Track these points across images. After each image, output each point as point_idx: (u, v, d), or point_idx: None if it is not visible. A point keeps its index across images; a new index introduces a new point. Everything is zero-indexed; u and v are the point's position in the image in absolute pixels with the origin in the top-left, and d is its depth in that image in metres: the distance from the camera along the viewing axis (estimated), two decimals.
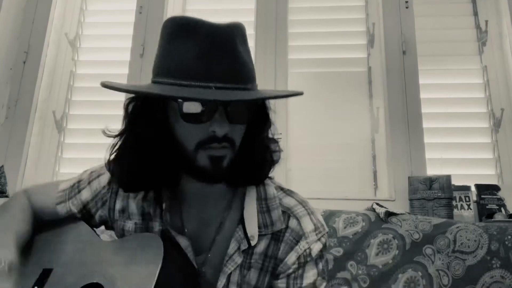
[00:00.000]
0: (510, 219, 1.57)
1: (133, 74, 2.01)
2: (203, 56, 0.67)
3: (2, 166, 1.83)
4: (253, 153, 0.77)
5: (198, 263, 0.79)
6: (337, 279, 1.38)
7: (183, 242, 0.79)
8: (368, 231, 1.43)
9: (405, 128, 1.86)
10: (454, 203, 1.66)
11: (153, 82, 0.72)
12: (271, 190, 0.82)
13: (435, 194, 1.66)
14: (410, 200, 1.71)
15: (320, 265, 0.80)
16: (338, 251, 1.41)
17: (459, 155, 1.86)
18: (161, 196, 0.81)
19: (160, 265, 0.69)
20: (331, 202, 1.64)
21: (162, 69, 0.71)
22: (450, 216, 1.61)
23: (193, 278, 0.76)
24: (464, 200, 1.69)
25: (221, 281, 0.77)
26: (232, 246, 0.78)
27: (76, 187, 0.89)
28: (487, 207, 1.67)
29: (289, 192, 0.84)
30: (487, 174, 1.84)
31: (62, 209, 0.88)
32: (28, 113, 2.01)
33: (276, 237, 0.79)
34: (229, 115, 0.69)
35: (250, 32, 2.02)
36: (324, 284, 0.80)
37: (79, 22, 2.23)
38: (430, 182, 1.69)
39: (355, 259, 1.40)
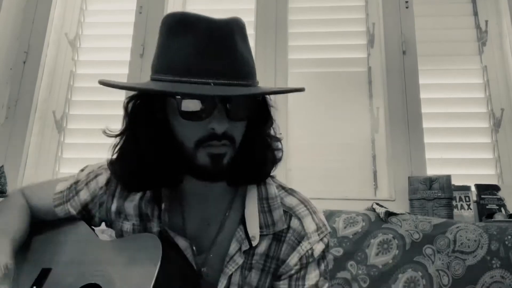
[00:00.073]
0: (510, 219, 1.57)
1: (133, 74, 2.01)
2: (201, 52, 0.66)
3: (2, 166, 1.83)
4: (254, 151, 0.76)
5: (198, 264, 0.78)
6: (337, 279, 1.37)
7: (182, 242, 0.78)
8: (368, 231, 1.43)
9: (405, 128, 1.86)
10: (454, 203, 1.66)
11: (152, 79, 0.71)
12: (273, 189, 0.81)
13: (435, 194, 1.66)
14: (410, 200, 1.70)
15: (322, 266, 0.79)
16: (338, 251, 1.41)
17: (459, 155, 1.86)
18: (160, 196, 0.80)
19: (158, 266, 0.68)
20: (331, 202, 1.64)
21: (160, 66, 0.70)
22: (450, 216, 1.61)
23: (192, 279, 0.76)
24: (464, 200, 1.69)
25: (222, 282, 0.76)
26: (233, 247, 0.77)
27: (74, 188, 0.88)
28: (487, 207, 1.67)
29: (290, 191, 0.83)
30: (487, 174, 1.84)
31: (60, 211, 0.87)
32: (28, 113, 2.01)
33: (278, 238, 0.78)
34: (229, 112, 0.68)
35: (250, 32, 2.01)
36: (327, 284, 0.79)
37: (79, 22, 2.23)
38: (430, 182, 1.68)
39: (355, 259, 1.40)
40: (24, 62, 2.08)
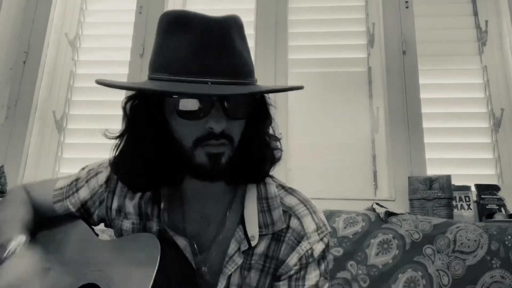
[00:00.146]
0: (510, 219, 1.56)
1: (133, 74, 2.01)
2: (198, 50, 0.66)
3: (2, 166, 1.83)
4: (253, 150, 0.75)
5: (197, 263, 0.78)
6: (337, 279, 1.37)
7: (181, 242, 0.78)
8: (368, 231, 1.43)
9: (405, 128, 1.85)
10: (454, 203, 1.66)
11: (149, 78, 0.71)
12: (272, 189, 0.80)
13: (435, 194, 1.66)
14: (410, 200, 1.70)
15: (323, 266, 0.78)
16: (338, 251, 1.41)
17: (459, 155, 1.86)
18: (159, 195, 0.80)
19: (157, 265, 0.68)
20: (331, 202, 1.64)
21: (157, 65, 0.70)
22: (450, 216, 1.61)
23: (191, 279, 0.76)
24: (464, 200, 1.69)
25: (221, 283, 0.76)
26: (232, 247, 0.76)
27: (74, 185, 0.88)
28: (487, 207, 1.67)
29: (290, 191, 0.82)
30: (487, 174, 1.84)
31: (59, 208, 0.88)
32: (28, 113, 2.01)
33: (277, 237, 0.78)
34: (227, 111, 0.67)
35: (250, 32, 2.03)
36: (327, 284, 0.79)
37: (79, 22, 2.23)
38: (430, 182, 1.68)
39: (355, 259, 1.40)
40: (24, 62, 2.08)
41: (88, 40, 2.22)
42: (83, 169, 0.91)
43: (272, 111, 0.78)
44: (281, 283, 0.78)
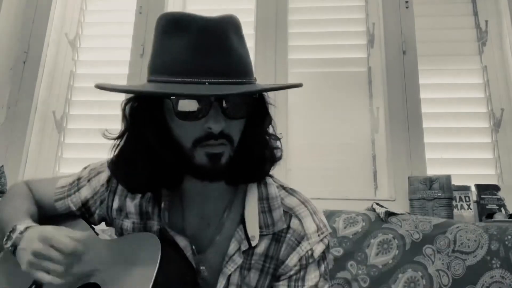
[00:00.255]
0: (510, 219, 1.56)
1: (133, 74, 2.01)
2: (195, 51, 0.66)
3: (2, 166, 1.83)
4: (252, 149, 0.75)
5: (197, 263, 0.78)
6: (337, 279, 1.37)
7: (181, 241, 0.78)
8: (368, 231, 1.43)
9: (405, 128, 1.86)
10: (454, 203, 1.66)
11: (148, 81, 0.71)
12: (273, 190, 0.80)
13: (435, 194, 1.66)
14: (410, 200, 1.70)
15: (323, 267, 0.78)
16: (338, 251, 1.41)
17: (459, 155, 1.86)
18: (160, 195, 0.80)
19: (157, 265, 0.68)
20: (331, 202, 1.64)
21: (155, 67, 0.70)
22: (450, 216, 1.61)
23: (191, 278, 0.76)
24: (464, 200, 1.69)
25: (221, 282, 0.76)
26: (232, 247, 0.76)
27: (76, 184, 0.88)
28: (487, 207, 1.67)
29: (291, 191, 0.82)
30: (487, 174, 1.84)
31: (60, 206, 0.88)
32: (28, 113, 2.01)
33: (277, 238, 0.78)
34: (225, 111, 0.67)
35: (250, 32, 2.04)
36: (327, 285, 0.79)
37: (79, 22, 2.23)
38: (430, 182, 1.68)
39: (355, 259, 1.40)
40: (24, 62, 2.08)
41: (88, 40, 2.22)
42: (85, 168, 0.91)
43: (272, 110, 0.78)
44: (280, 283, 0.78)
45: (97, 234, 0.85)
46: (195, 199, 0.80)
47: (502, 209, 1.66)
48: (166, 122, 0.72)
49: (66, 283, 0.76)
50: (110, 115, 1.92)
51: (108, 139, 0.77)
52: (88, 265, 0.78)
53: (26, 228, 0.75)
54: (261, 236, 0.77)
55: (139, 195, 0.82)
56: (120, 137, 0.76)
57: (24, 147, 1.97)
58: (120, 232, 0.85)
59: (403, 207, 1.68)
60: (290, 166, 1.87)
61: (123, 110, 0.75)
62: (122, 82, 2.01)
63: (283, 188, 0.83)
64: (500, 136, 1.87)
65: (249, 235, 0.76)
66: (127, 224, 0.83)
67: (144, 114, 0.72)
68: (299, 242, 0.77)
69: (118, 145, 0.77)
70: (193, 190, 0.79)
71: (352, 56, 2.06)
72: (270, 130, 0.80)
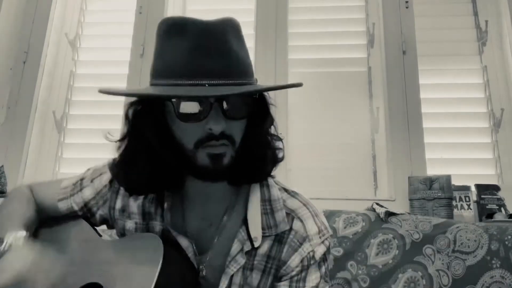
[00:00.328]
0: (510, 219, 1.57)
1: (133, 74, 2.01)
2: (195, 53, 0.67)
3: (2, 166, 1.83)
4: (254, 149, 0.76)
5: (199, 263, 0.78)
6: (337, 279, 1.38)
7: (183, 242, 0.78)
8: (368, 231, 1.43)
9: (405, 128, 1.86)
10: (454, 203, 1.66)
11: (151, 84, 0.72)
12: (275, 192, 0.81)
13: (435, 194, 1.66)
14: (410, 200, 1.71)
15: (323, 268, 0.79)
16: (338, 251, 1.41)
17: (459, 155, 1.86)
18: (163, 196, 0.81)
19: (160, 265, 0.69)
20: (331, 202, 1.64)
21: (157, 71, 0.71)
22: (450, 216, 1.61)
23: (193, 279, 0.76)
24: (464, 200, 1.69)
25: (223, 283, 0.77)
26: (235, 247, 0.77)
27: (79, 184, 0.89)
28: (487, 207, 1.67)
29: (293, 194, 0.83)
30: (487, 174, 1.84)
31: (63, 205, 0.88)
32: (28, 113, 2.01)
33: (280, 239, 0.79)
34: (225, 111, 0.68)
35: (250, 32, 2.04)
36: (327, 286, 0.80)
37: (79, 22, 2.23)
38: (430, 182, 1.68)
39: (355, 259, 1.40)
40: (24, 62, 2.08)
41: (88, 40, 2.22)
42: (88, 169, 0.92)
43: (272, 110, 0.78)
44: (282, 283, 0.78)
45: (100, 235, 0.86)
46: (197, 200, 0.80)
47: (502, 209, 1.66)
48: (167, 124, 0.72)
49: (68, 283, 0.76)
50: (110, 115, 1.92)
51: (110, 141, 0.78)
52: (90, 265, 0.78)
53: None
54: (264, 237, 0.78)
55: (142, 196, 0.83)
56: (122, 139, 0.77)
57: (24, 147, 1.97)
58: (123, 233, 0.85)
59: (403, 207, 1.68)
60: (290, 166, 1.87)
61: (126, 113, 0.75)
62: (122, 82, 2.01)
63: (285, 190, 0.83)
64: (500, 136, 1.87)
65: (252, 236, 0.76)
66: (130, 224, 0.84)
67: (147, 117, 0.73)
68: (301, 244, 0.78)
69: (120, 147, 0.77)
70: (195, 191, 0.79)
71: (352, 56, 2.06)
72: (272, 130, 0.80)
